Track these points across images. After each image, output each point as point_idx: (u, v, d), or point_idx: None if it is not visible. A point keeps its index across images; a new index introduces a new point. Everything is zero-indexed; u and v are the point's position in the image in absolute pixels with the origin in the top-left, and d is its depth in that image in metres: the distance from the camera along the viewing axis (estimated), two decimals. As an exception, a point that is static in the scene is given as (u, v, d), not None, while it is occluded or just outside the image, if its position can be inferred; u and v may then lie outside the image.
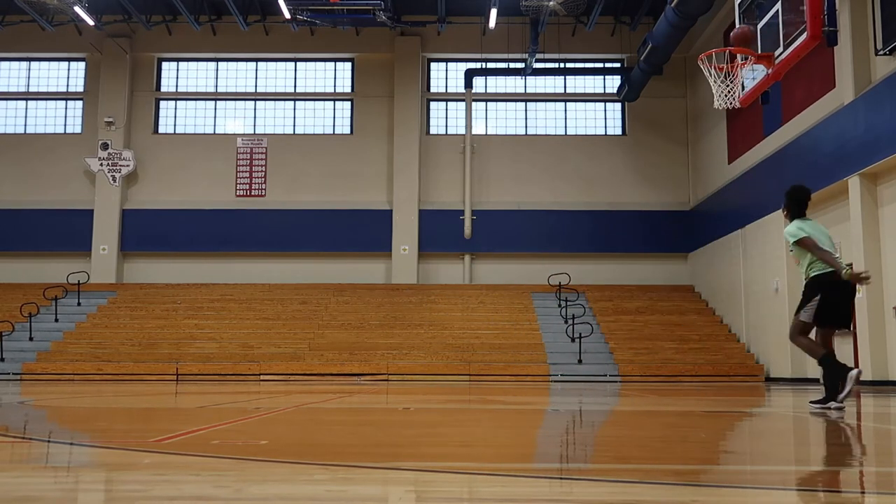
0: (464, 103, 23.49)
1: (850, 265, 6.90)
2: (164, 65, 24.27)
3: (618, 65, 23.75)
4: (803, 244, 6.84)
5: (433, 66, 24.24)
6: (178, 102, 24.10)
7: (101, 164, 23.00)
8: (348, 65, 24.13)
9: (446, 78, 24.17)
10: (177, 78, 24.23)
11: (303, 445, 3.98)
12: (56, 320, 19.90)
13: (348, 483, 2.69)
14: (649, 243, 22.76)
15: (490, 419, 5.79)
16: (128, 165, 23.07)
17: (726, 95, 11.47)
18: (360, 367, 17.40)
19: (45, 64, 24.23)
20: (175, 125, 24.02)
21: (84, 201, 23.03)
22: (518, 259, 22.93)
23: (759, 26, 11.35)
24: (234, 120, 24.07)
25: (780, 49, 10.79)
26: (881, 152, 12.94)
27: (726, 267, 19.78)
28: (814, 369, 15.78)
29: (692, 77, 22.38)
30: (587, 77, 23.93)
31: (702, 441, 4.26)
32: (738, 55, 11.22)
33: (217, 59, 24.17)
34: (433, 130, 23.83)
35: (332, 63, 24.19)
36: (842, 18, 13.51)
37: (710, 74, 11.41)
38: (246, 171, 23.38)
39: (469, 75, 23.34)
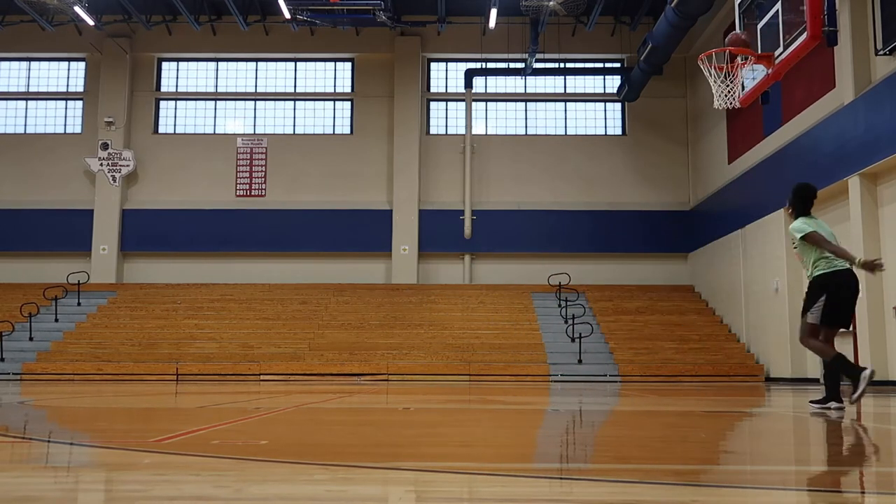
0: (464, 103, 23.49)
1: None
2: (164, 65, 24.28)
3: (618, 65, 23.75)
4: (811, 238, 6.76)
5: (433, 66, 24.24)
6: (178, 102, 24.11)
7: (101, 164, 23.00)
8: (348, 65, 24.13)
9: (446, 78, 24.17)
10: (177, 78, 24.23)
11: (303, 445, 3.98)
12: (56, 320, 19.90)
13: (348, 483, 2.69)
14: (649, 243, 22.76)
15: (490, 419, 5.79)
16: (128, 165, 23.07)
17: (726, 95, 11.47)
18: (360, 367, 17.40)
19: (45, 64, 24.23)
20: (175, 125, 24.02)
21: (84, 201, 23.03)
22: (518, 259, 22.93)
23: (759, 26, 11.35)
24: (234, 120, 24.07)
25: (780, 49, 10.79)
26: (881, 152, 12.94)
27: (726, 267, 19.78)
28: (814, 369, 15.78)
29: (692, 77, 22.38)
30: (587, 77, 23.93)
31: (702, 441, 4.26)
32: (738, 55, 11.22)
33: (217, 59, 24.17)
34: (433, 130, 23.83)
35: (332, 63, 24.19)
36: (842, 18, 13.51)
37: (710, 74, 11.41)
38: (246, 171, 23.38)
39: (469, 75, 23.34)
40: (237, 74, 24.18)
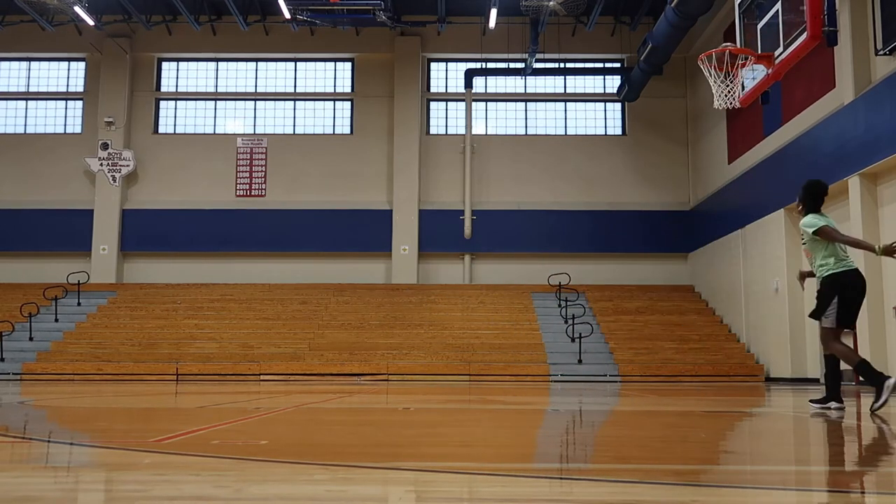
0: (464, 103, 23.49)
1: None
2: (164, 65, 24.28)
3: (618, 65, 23.75)
4: (824, 233, 6.67)
5: (433, 66, 24.24)
6: (178, 102, 24.11)
7: (101, 164, 23.00)
8: (348, 65, 24.13)
9: (446, 78, 24.17)
10: (177, 78, 24.23)
11: (303, 445, 3.98)
12: (56, 320, 19.90)
13: (348, 483, 2.69)
14: (649, 243, 22.76)
15: (490, 419, 5.79)
16: (128, 165, 23.07)
17: (726, 95, 11.47)
18: (360, 367, 17.40)
19: (45, 64, 24.23)
20: (175, 125, 24.02)
21: (84, 201, 23.03)
22: (518, 259, 22.93)
23: (759, 26, 11.35)
24: (234, 120, 24.07)
25: (780, 49, 10.78)
26: (881, 152, 12.94)
27: (726, 267, 19.78)
28: (814, 369, 15.79)
29: (692, 77, 22.38)
30: (587, 77, 23.93)
31: (702, 441, 4.26)
32: (738, 55, 11.22)
33: (217, 59, 24.17)
34: (433, 130, 23.83)
35: (332, 63, 24.19)
36: (842, 18, 13.50)
37: (710, 74, 11.41)
38: (246, 171, 23.38)
39: (469, 75, 23.34)
40: (237, 74, 24.18)
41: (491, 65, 23.80)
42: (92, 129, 23.43)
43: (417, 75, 23.43)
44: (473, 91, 23.49)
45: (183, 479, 2.74)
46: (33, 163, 23.32)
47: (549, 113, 23.84)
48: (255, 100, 24.06)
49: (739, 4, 12.04)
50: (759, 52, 11.19)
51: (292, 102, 24.06)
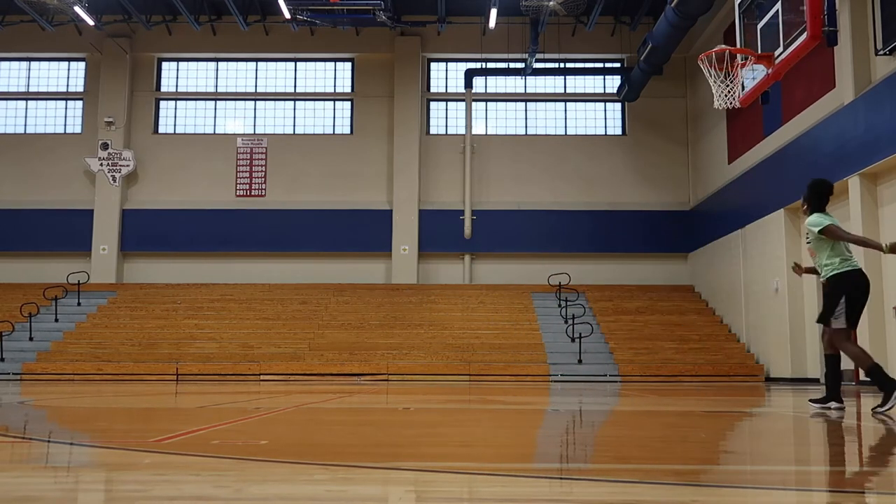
0: (464, 103, 23.49)
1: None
2: (164, 65, 24.28)
3: (618, 65, 23.75)
4: (829, 232, 6.63)
5: (433, 66, 24.24)
6: (178, 102, 24.11)
7: (101, 164, 23.00)
8: (348, 65, 24.13)
9: (446, 78, 24.17)
10: (177, 78, 24.23)
11: (303, 445, 3.98)
12: (56, 320, 19.90)
13: (348, 483, 2.69)
14: (649, 243, 22.76)
15: (490, 419, 5.79)
16: (128, 165, 23.07)
17: (726, 95, 11.47)
18: (360, 367, 17.40)
19: (45, 64, 24.23)
20: (175, 125, 24.02)
21: (84, 201, 23.03)
22: (518, 259, 22.93)
23: (759, 26, 11.35)
24: (234, 120, 24.07)
25: (780, 49, 10.78)
26: (881, 152, 12.94)
27: (726, 267, 19.78)
28: (814, 369, 15.79)
29: (692, 77, 22.38)
30: (587, 77, 23.93)
31: (702, 441, 4.26)
32: (738, 55, 11.22)
33: (217, 59, 24.17)
34: (433, 130, 23.83)
35: (332, 63, 24.19)
36: (842, 18, 13.50)
37: (710, 74, 11.41)
38: (246, 171, 23.38)
39: (469, 75, 23.34)
40: (237, 74, 24.19)
41: (491, 65, 23.80)
42: (92, 129, 23.43)
43: (417, 75, 23.43)
44: (473, 91, 23.49)
45: (183, 479, 2.74)
46: (33, 163, 23.32)
47: (549, 113, 23.84)
48: (255, 100, 24.06)
49: (739, 4, 12.04)
50: (759, 52, 11.18)
51: (292, 102, 24.06)
